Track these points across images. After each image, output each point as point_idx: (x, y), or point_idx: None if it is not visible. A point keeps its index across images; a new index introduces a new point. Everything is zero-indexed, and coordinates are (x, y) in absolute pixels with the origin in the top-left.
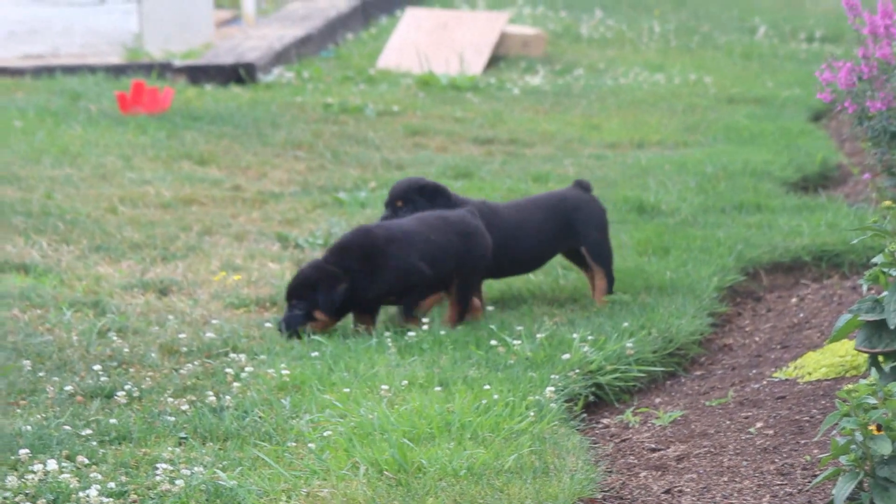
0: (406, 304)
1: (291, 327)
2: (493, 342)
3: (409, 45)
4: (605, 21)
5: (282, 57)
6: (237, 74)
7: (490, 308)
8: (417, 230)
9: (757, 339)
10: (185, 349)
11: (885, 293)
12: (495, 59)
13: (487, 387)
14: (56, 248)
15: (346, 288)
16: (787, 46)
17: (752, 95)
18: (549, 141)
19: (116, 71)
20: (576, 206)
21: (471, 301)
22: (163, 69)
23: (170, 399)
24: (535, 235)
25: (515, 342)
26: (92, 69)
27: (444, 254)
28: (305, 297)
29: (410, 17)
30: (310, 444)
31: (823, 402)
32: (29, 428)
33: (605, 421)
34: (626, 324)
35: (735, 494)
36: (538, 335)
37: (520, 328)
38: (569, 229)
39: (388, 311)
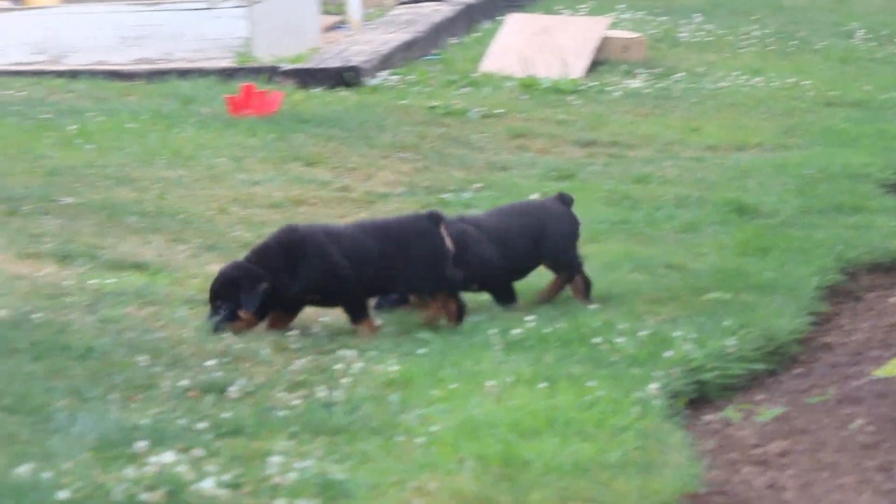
0: (347, 310)
1: (217, 328)
2: (597, 340)
3: (512, 49)
4: (703, 26)
5: (387, 61)
6: (344, 78)
7: (594, 306)
8: (347, 231)
9: (856, 337)
10: (295, 346)
11: None
12: (596, 63)
13: (591, 383)
14: (169, 247)
15: (267, 287)
16: (885, 50)
17: (850, 99)
18: (650, 143)
19: (226, 75)
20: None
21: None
22: (271, 73)
23: (282, 394)
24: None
25: (619, 340)
26: (203, 73)
27: (370, 255)
28: (228, 298)
29: (513, 22)
30: (418, 439)
31: None
32: (146, 421)
33: (707, 417)
34: (727, 322)
35: (836, 490)
36: (641, 333)
37: (623, 326)
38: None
39: (492, 310)
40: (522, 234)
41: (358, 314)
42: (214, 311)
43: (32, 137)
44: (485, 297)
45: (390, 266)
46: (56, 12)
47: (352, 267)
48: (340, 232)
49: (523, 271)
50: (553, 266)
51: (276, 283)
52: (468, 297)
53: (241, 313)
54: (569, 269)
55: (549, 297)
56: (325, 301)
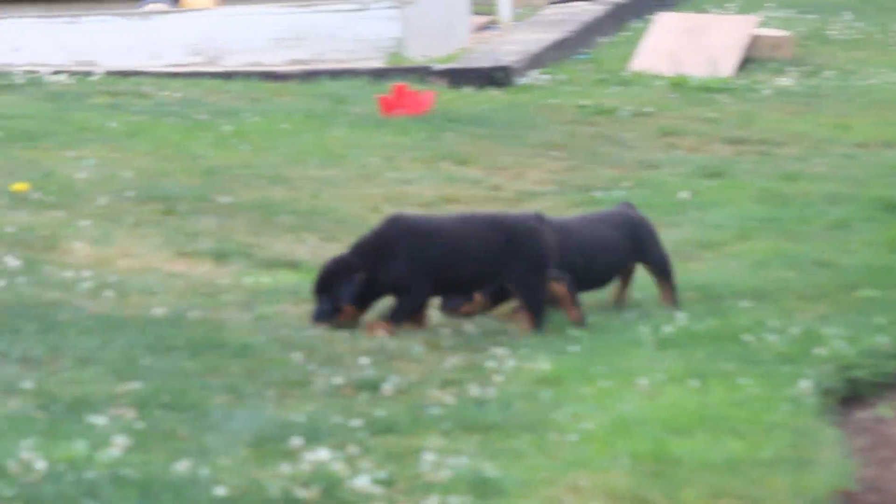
0: (400, 306)
1: (320, 321)
2: (748, 337)
3: (661, 48)
4: (853, 23)
5: (537, 60)
6: (494, 77)
7: (745, 304)
8: (451, 224)
9: None
10: (447, 343)
11: None
12: (745, 62)
13: (743, 381)
14: (323, 246)
15: (364, 278)
16: None
17: None
18: (800, 141)
19: (378, 75)
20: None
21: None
22: (423, 73)
23: (434, 391)
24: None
25: (770, 337)
26: (355, 73)
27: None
28: (330, 291)
29: (662, 21)
30: (570, 436)
31: None
32: (301, 418)
33: (859, 415)
34: (878, 319)
35: None
36: (792, 330)
37: (774, 323)
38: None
39: (642, 307)
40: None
41: (403, 314)
42: (319, 305)
43: (189, 137)
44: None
45: (491, 263)
46: (212, 15)
47: (448, 261)
48: (444, 225)
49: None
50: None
51: (372, 273)
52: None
53: (343, 306)
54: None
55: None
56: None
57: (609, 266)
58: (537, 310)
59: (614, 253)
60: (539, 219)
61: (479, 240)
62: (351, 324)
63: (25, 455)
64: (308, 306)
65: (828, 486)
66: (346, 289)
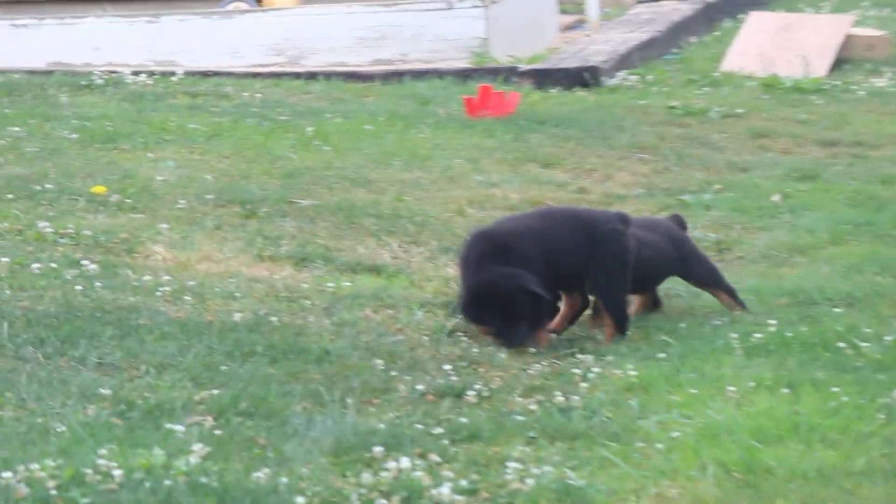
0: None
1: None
2: (841, 344)
3: (753, 47)
4: None
5: (625, 60)
6: (581, 78)
7: (837, 310)
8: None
9: None
10: (532, 350)
11: None
12: (839, 62)
13: (835, 389)
14: (406, 250)
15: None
16: None
17: None
18: None
19: (463, 75)
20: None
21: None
22: (508, 73)
23: (518, 398)
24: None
25: (864, 344)
26: (440, 74)
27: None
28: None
29: (754, 20)
30: (657, 445)
31: None
32: (383, 426)
33: None
34: None
35: None
36: (886, 337)
37: (868, 330)
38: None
39: (731, 314)
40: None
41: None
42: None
43: (270, 139)
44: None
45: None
46: (294, 14)
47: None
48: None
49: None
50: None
51: None
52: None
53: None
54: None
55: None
56: None
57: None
58: (619, 315)
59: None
60: (622, 219)
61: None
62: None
63: (102, 463)
64: (389, 312)
65: None
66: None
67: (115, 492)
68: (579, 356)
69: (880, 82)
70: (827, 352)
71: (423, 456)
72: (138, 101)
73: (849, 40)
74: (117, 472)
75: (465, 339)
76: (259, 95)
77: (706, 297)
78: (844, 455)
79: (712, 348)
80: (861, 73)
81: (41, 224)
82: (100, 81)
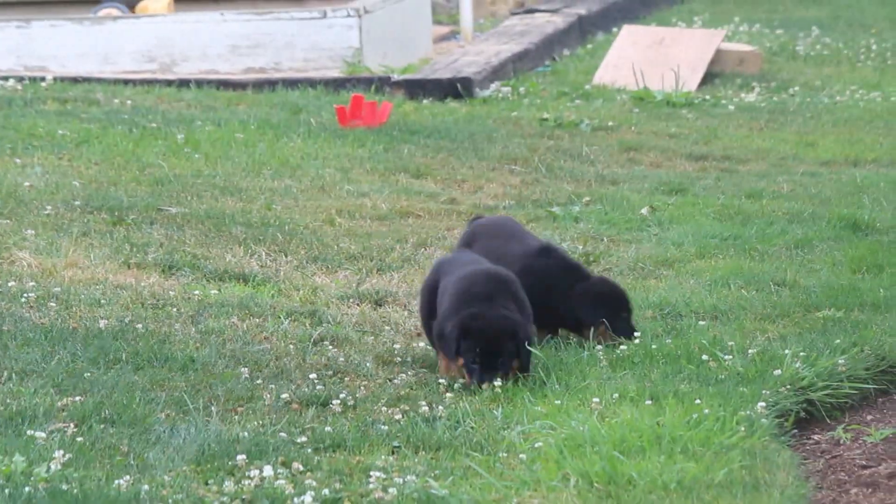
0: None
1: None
2: (705, 357)
3: (625, 61)
4: (821, 39)
5: (498, 72)
6: (454, 89)
7: (702, 322)
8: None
9: None
10: (398, 359)
11: None
12: (710, 76)
13: (698, 401)
14: (274, 259)
15: None
16: None
17: None
18: (764, 158)
19: (336, 85)
20: None
21: None
22: (381, 83)
23: (383, 408)
24: None
25: (727, 357)
26: (312, 83)
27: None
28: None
29: (627, 34)
30: (521, 455)
31: None
32: (246, 434)
33: (815, 437)
34: (838, 341)
35: None
36: (750, 350)
37: (731, 343)
38: None
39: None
40: None
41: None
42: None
43: (140, 146)
44: None
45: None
46: (167, 21)
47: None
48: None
49: None
50: None
51: None
52: None
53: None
54: None
55: None
56: None
57: None
58: None
59: None
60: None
61: None
62: None
63: None
64: (256, 320)
65: None
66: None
67: None
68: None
69: (750, 97)
70: (691, 364)
71: (286, 464)
72: (6, 106)
73: (720, 55)
74: None
75: (331, 348)
76: (130, 102)
77: None
78: (705, 467)
79: (577, 360)
80: (731, 88)
81: None
82: None
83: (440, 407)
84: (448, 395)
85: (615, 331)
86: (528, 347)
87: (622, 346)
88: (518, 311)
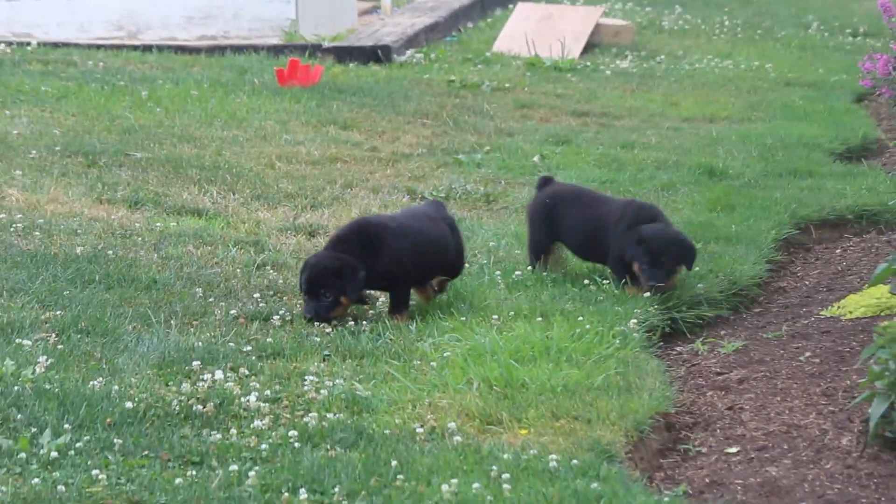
0: (395, 299)
1: (320, 314)
2: (586, 281)
3: (519, 32)
4: (683, 15)
5: (413, 41)
6: (376, 55)
7: None
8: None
9: (807, 283)
10: None
11: None
12: (591, 46)
13: (581, 318)
14: (224, 196)
15: (364, 275)
16: (836, 39)
17: (806, 80)
18: (635, 115)
19: (276, 51)
20: None
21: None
22: (314, 50)
23: (317, 323)
24: None
25: (605, 282)
26: (256, 49)
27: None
28: (330, 286)
29: (521, 10)
30: (432, 363)
31: (862, 336)
32: (200, 344)
33: (678, 349)
34: (697, 269)
35: (787, 412)
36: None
37: (609, 270)
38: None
39: (496, 255)
40: None
41: (401, 305)
42: (317, 299)
43: (111, 101)
44: (492, 243)
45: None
46: None
47: (416, 257)
48: (408, 224)
49: None
50: None
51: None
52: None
53: (343, 300)
54: None
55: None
56: (385, 287)
57: None
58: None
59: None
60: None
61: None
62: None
63: None
64: (208, 248)
65: (649, 408)
66: (354, 285)
67: None
68: (369, 291)
69: (623, 64)
70: (574, 287)
71: (234, 370)
72: None
73: (598, 28)
74: None
75: (272, 272)
76: (102, 64)
77: (477, 241)
78: (586, 373)
79: (480, 283)
80: (608, 56)
81: None
82: None
83: (364, 322)
84: (371, 311)
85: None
86: None
87: (517, 273)
88: None
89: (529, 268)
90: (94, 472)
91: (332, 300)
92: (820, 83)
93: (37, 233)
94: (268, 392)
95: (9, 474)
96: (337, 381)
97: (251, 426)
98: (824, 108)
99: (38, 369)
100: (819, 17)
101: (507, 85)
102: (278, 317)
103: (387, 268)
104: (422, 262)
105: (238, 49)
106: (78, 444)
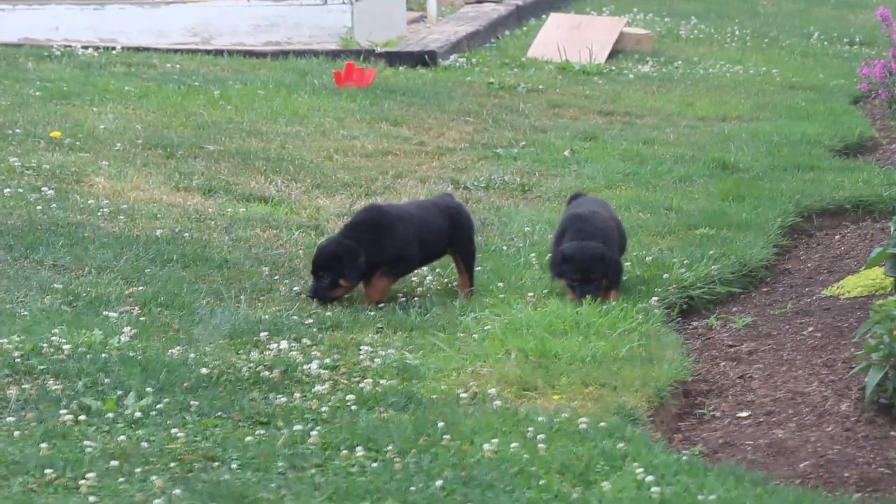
0: (384, 273)
1: (321, 295)
2: None
3: (552, 40)
4: (698, 26)
5: (456, 47)
6: (423, 59)
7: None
8: (417, 212)
9: (809, 265)
10: None
11: None
12: (615, 53)
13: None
14: (287, 185)
15: (365, 259)
16: (835, 48)
17: (808, 84)
18: (655, 114)
19: (333, 55)
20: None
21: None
22: (368, 54)
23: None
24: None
25: (628, 263)
26: (315, 53)
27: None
28: (331, 269)
29: (553, 19)
30: (474, 335)
31: (859, 313)
32: (267, 317)
33: (694, 324)
34: (711, 252)
35: (791, 380)
36: (646, 259)
37: (633, 253)
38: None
39: (531, 238)
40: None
41: (386, 287)
42: (318, 280)
43: (186, 99)
44: (527, 228)
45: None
46: (206, 5)
47: (420, 243)
48: (412, 212)
49: None
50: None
51: (368, 256)
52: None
53: (343, 282)
54: None
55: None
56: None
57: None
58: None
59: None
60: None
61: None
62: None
63: (55, 339)
64: (274, 231)
65: (669, 377)
66: (354, 269)
67: (64, 361)
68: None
69: (645, 69)
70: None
71: (297, 340)
72: (86, 68)
73: (622, 36)
74: (66, 347)
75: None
76: (178, 67)
77: (513, 226)
78: (612, 345)
79: (516, 264)
80: (631, 62)
81: (11, 159)
82: (58, 53)
83: (414, 298)
84: (419, 289)
85: None
86: None
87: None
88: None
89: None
90: (174, 430)
91: (331, 282)
92: (820, 87)
93: (121, 217)
94: (327, 360)
95: (98, 432)
96: (389, 350)
97: (312, 391)
98: (825, 109)
99: (123, 338)
100: (820, 28)
101: (540, 87)
102: None
103: (394, 251)
104: (422, 245)
105: (300, 53)
106: (159, 406)
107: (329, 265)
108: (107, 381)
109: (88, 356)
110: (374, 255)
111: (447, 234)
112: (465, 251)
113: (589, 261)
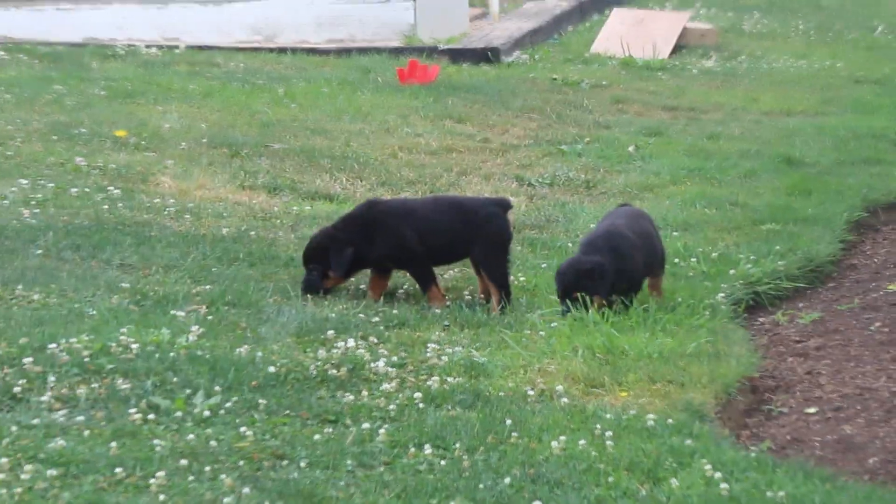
0: (414, 278)
1: (309, 287)
2: (677, 259)
3: (615, 35)
4: (761, 20)
5: (519, 43)
6: (486, 56)
7: (675, 233)
8: (422, 207)
9: (876, 260)
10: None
11: None
12: (679, 47)
13: (674, 292)
14: (352, 183)
15: (353, 251)
16: None
17: (873, 77)
18: (720, 109)
19: (397, 52)
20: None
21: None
22: (431, 51)
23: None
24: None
25: (694, 260)
26: (379, 51)
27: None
28: (320, 261)
29: (616, 15)
30: (541, 332)
31: None
32: (334, 315)
33: (761, 320)
34: (777, 247)
35: (860, 376)
36: (712, 255)
37: (698, 249)
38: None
39: None
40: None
41: (424, 283)
42: (309, 272)
43: (251, 98)
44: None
45: (458, 241)
46: (269, 3)
47: (421, 240)
48: (415, 207)
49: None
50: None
51: (359, 249)
52: None
53: (331, 273)
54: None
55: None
56: (398, 266)
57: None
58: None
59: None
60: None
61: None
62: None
63: (123, 338)
64: None
65: (736, 373)
66: (340, 262)
67: (132, 360)
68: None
69: (708, 63)
70: (668, 265)
71: (364, 338)
72: (150, 67)
73: (686, 31)
74: (135, 346)
75: None
76: (242, 65)
77: (579, 223)
78: (679, 341)
79: None
80: (694, 57)
81: (78, 159)
82: (122, 52)
83: (480, 296)
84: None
85: None
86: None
87: None
88: None
89: None
90: (242, 428)
91: (318, 275)
92: (886, 80)
93: (187, 216)
94: (394, 358)
95: (167, 430)
96: (456, 348)
97: (380, 388)
98: (891, 103)
99: (191, 337)
100: (885, 21)
101: (604, 82)
102: (403, 291)
103: (388, 249)
104: (426, 244)
105: (363, 51)
106: (227, 404)
107: (316, 257)
108: (175, 379)
109: (157, 355)
110: (365, 249)
111: (462, 236)
112: (484, 259)
113: (573, 276)
